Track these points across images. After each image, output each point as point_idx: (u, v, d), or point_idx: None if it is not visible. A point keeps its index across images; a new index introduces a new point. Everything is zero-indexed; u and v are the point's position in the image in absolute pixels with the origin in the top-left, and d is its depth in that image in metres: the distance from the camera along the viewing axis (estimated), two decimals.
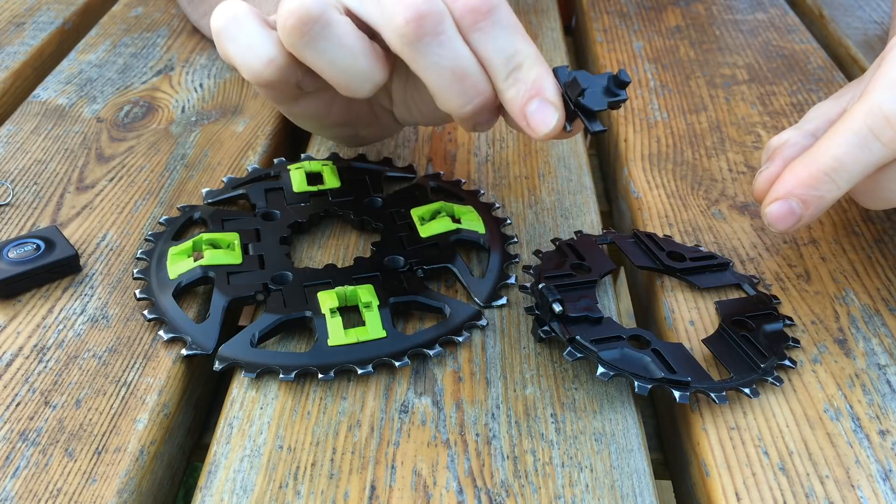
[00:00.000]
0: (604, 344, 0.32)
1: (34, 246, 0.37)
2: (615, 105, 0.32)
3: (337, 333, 0.34)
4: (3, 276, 0.36)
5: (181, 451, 0.34)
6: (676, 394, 0.31)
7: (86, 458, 0.30)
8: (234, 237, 0.39)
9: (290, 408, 0.32)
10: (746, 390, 0.31)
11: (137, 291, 0.36)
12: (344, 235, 0.42)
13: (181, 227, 0.41)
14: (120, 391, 0.32)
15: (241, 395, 0.33)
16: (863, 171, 0.31)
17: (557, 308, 0.33)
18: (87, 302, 0.36)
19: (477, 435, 0.31)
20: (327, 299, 0.35)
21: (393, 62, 0.35)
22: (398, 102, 0.40)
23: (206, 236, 0.38)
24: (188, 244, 0.38)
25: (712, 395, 0.31)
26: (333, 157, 0.46)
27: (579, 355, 0.32)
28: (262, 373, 0.33)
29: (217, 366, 0.33)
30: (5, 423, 0.31)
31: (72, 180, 0.44)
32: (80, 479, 0.29)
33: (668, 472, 0.34)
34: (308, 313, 0.35)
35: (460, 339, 0.35)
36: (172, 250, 0.38)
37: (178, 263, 0.37)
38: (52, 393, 0.32)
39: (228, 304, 0.35)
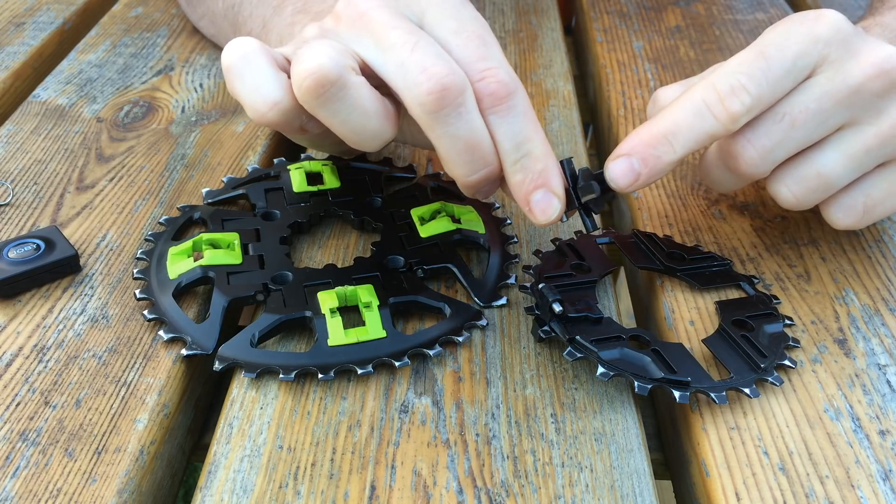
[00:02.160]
0: (604, 344, 0.32)
1: (34, 246, 0.37)
2: (609, 201, 0.35)
3: (337, 333, 0.34)
4: (3, 276, 0.36)
5: (181, 451, 0.34)
6: (676, 394, 0.31)
7: (86, 458, 0.30)
8: (234, 237, 0.39)
9: (290, 408, 0.32)
10: (746, 390, 0.31)
11: (137, 291, 0.36)
12: (344, 235, 0.42)
13: (181, 227, 0.41)
14: (120, 391, 0.32)
15: (241, 395, 0.33)
16: (696, 138, 0.33)
17: (557, 308, 0.33)
18: (87, 302, 0.36)
19: (477, 435, 0.31)
20: (327, 299, 0.35)
21: (400, 115, 0.35)
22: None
23: (206, 236, 0.38)
24: (188, 244, 0.38)
25: (712, 394, 0.31)
26: (333, 157, 0.46)
27: (579, 355, 0.32)
28: (262, 373, 0.33)
29: (217, 366, 0.33)
30: (5, 423, 0.31)
31: (72, 180, 0.44)
32: (80, 479, 0.29)
33: (668, 472, 0.34)
34: (308, 313, 0.35)
35: (460, 339, 0.35)
36: (172, 250, 0.38)
37: (178, 263, 0.37)
38: (52, 393, 0.32)
39: (228, 304, 0.35)
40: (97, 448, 0.30)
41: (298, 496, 0.29)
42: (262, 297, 0.36)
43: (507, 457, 0.30)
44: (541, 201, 0.33)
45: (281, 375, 0.32)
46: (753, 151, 0.34)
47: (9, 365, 0.33)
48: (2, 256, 0.37)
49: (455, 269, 0.38)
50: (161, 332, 0.34)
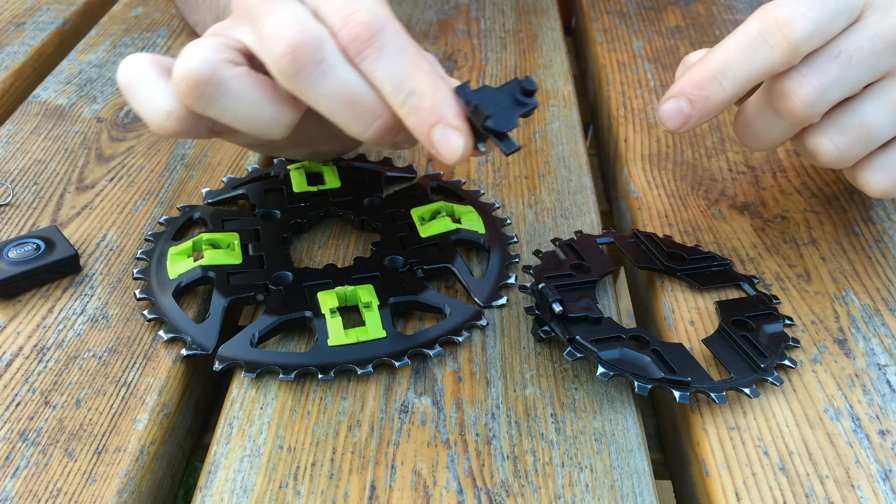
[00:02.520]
0: (604, 344, 0.32)
1: (34, 246, 0.37)
2: (526, 115, 0.31)
3: (337, 333, 0.34)
4: (3, 276, 0.36)
5: (181, 451, 0.34)
6: (676, 394, 0.31)
7: (86, 458, 0.30)
8: (234, 237, 0.39)
9: (290, 408, 0.32)
10: (746, 390, 0.31)
11: (137, 291, 0.36)
12: (344, 235, 0.42)
13: (181, 227, 0.41)
14: (120, 391, 0.32)
15: (241, 395, 0.33)
16: (749, 73, 0.32)
17: (557, 308, 0.33)
18: (87, 302, 0.36)
19: (477, 435, 0.31)
20: (327, 299, 0.35)
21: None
22: None
23: (206, 236, 0.38)
24: (188, 244, 0.38)
25: (712, 394, 0.31)
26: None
27: (579, 355, 0.32)
28: (262, 373, 0.33)
29: (217, 366, 0.33)
30: (5, 423, 0.31)
31: (72, 180, 0.44)
32: (80, 479, 0.29)
33: (668, 472, 0.34)
34: (308, 313, 0.35)
35: (460, 339, 0.35)
36: (172, 250, 0.38)
37: (178, 263, 0.37)
38: (52, 393, 0.32)
39: (228, 304, 0.35)
40: (97, 448, 0.30)
41: (298, 496, 0.29)
42: (262, 297, 0.36)
43: (507, 457, 0.30)
44: (442, 139, 0.30)
45: (281, 375, 0.32)
46: (810, 88, 0.32)
47: (9, 365, 0.33)
48: (2, 256, 0.37)
49: (455, 269, 0.38)
50: (161, 332, 0.34)
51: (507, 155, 0.31)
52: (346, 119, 0.31)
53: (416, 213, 0.40)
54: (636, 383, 0.31)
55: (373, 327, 0.34)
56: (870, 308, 0.37)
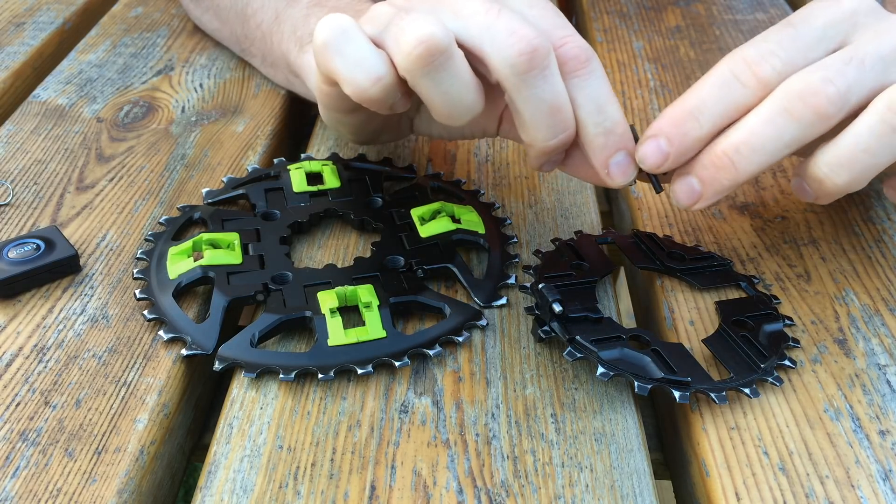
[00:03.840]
0: (604, 344, 0.32)
1: (34, 246, 0.37)
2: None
3: (337, 333, 0.34)
4: (3, 276, 0.36)
5: (181, 451, 0.34)
6: (676, 394, 0.31)
7: (86, 458, 0.30)
8: (234, 237, 0.39)
9: (290, 408, 0.32)
10: (746, 390, 0.31)
11: (137, 291, 0.36)
12: (344, 235, 0.42)
13: (181, 227, 0.41)
14: (120, 391, 0.32)
15: (241, 395, 0.33)
16: (723, 111, 0.32)
17: (557, 308, 0.33)
18: (87, 302, 0.36)
19: (477, 435, 0.31)
20: (327, 299, 0.35)
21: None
22: (423, 116, 0.41)
23: (206, 236, 0.38)
24: (188, 244, 0.38)
25: (712, 395, 0.31)
26: (333, 157, 0.46)
27: (579, 355, 0.32)
28: (262, 373, 0.33)
29: (217, 366, 0.33)
30: (5, 423, 0.31)
31: (72, 180, 0.44)
32: (80, 479, 0.29)
33: (668, 472, 0.34)
34: (308, 313, 0.35)
35: (460, 339, 0.35)
36: (172, 250, 0.38)
37: (178, 263, 0.37)
38: (52, 393, 0.32)
39: (228, 304, 0.35)
40: (97, 448, 0.30)
41: (298, 496, 0.29)
42: (262, 297, 0.36)
43: (507, 457, 0.30)
44: (622, 163, 0.34)
45: (281, 375, 0.32)
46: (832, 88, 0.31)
47: (9, 365, 0.33)
48: (2, 256, 0.37)
49: (455, 269, 0.38)
50: (161, 332, 0.34)
51: (657, 192, 0.35)
52: (543, 123, 0.33)
53: (416, 213, 0.40)
54: (636, 383, 0.31)
55: (373, 327, 0.34)
56: (870, 308, 0.37)
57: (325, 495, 0.29)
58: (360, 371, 0.33)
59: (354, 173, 0.44)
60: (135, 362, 0.34)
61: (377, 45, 0.33)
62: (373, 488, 0.29)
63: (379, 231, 0.40)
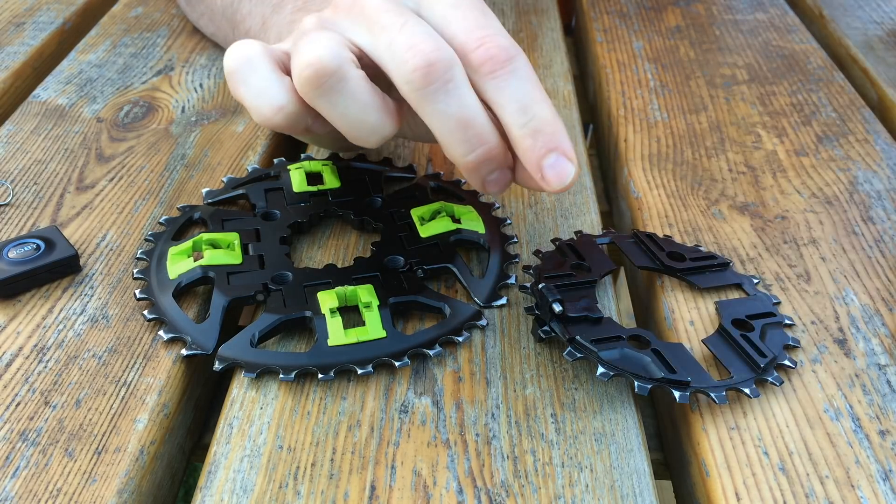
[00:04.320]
0: (604, 344, 0.32)
1: (34, 246, 0.37)
2: None
3: (337, 333, 0.34)
4: (3, 276, 0.36)
5: (181, 451, 0.34)
6: (676, 394, 0.31)
7: (86, 458, 0.30)
8: (234, 237, 0.39)
9: (290, 408, 0.32)
10: (746, 390, 0.31)
11: (137, 291, 0.36)
12: (344, 235, 0.42)
13: (181, 227, 0.41)
14: (120, 391, 0.32)
15: (241, 395, 0.33)
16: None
17: (557, 308, 0.33)
18: (87, 302, 0.36)
19: (477, 435, 0.31)
20: (327, 299, 0.35)
21: (403, 111, 0.35)
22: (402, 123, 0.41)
23: (206, 236, 0.38)
24: (188, 244, 0.38)
25: (712, 394, 0.31)
26: (333, 157, 0.46)
27: (579, 355, 0.32)
28: (262, 373, 0.33)
29: (217, 366, 0.33)
30: (5, 423, 0.31)
31: (72, 180, 0.44)
32: (80, 479, 0.29)
33: (668, 472, 0.34)
34: (308, 313, 0.35)
35: (460, 339, 0.35)
36: (172, 250, 0.38)
37: (178, 263, 0.37)
38: (52, 393, 0.32)
39: (228, 304, 0.35)
40: (97, 448, 0.30)
41: (298, 496, 0.29)
42: (262, 297, 0.36)
43: (507, 457, 0.30)
44: (555, 165, 0.32)
45: (281, 375, 0.32)
46: None
47: (9, 365, 0.33)
48: (2, 256, 0.37)
49: (455, 269, 0.38)
50: (161, 332, 0.34)
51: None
52: (454, 139, 0.32)
53: (416, 213, 0.40)
54: (636, 383, 0.31)
55: (373, 327, 0.34)
56: (870, 308, 0.37)
57: (325, 495, 0.29)
58: (360, 371, 0.33)
59: (354, 173, 0.44)
60: (135, 362, 0.34)
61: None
62: (373, 488, 0.29)
63: (379, 231, 0.40)
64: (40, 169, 0.45)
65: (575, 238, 0.40)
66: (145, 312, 0.35)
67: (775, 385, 0.32)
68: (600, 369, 0.31)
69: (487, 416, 0.32)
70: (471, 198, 0.43)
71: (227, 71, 0.34)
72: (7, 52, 0.57)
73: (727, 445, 0.30)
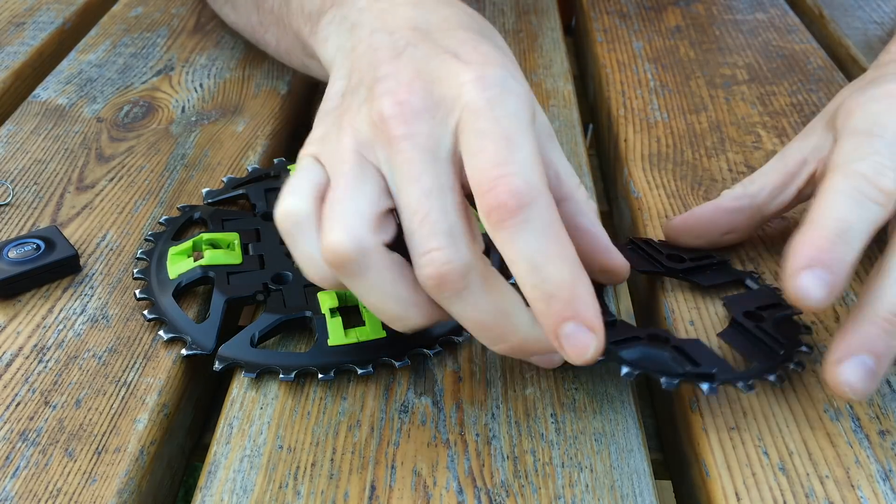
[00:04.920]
0: (623, 344, 0.32)
1: (34, 246, 0.37)
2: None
3: (337, 333, 0.34)
4: (3, 276, 0.36)
5: (181, 451, 0.34)
6: (704, 387, 0.30)
7: (86, 458, 0.30)
8: (234, 237, 0.39)
9: (290, 408, 0.32)
10: (772, 377, 0.31)
11: (137, 291, 0.36)
12: None
13: (181, 227, 0.41)
14: (120, 391, 0.32)
15: (241, 395, 0.33)
16: (867, 228, 0.30)
17: None
18: (87, 302, 0.36)
19: (477, 435, 0.31)
20: (327, 299, 0.35)
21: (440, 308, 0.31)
22: None
23: (206, 236, 0.38)
24: (188, 244, 0.38)
25: (739, 384, 0.31)
26: None
27: (601, 358, 0.32)
28: (262, 373, 0.33)
29: (217, 366, 0.33)
30: (5, 423, 0.31)
31: (72, 180, 0.44)
32: (80, 479, 0.29)
33: (668, 472, 0.34)
34: (308, 313, 0.35)
35: (460, 339, 0.35)
36: (172, 250, 0.38)
37: (178, 263, 0.37)
38: (52, 393, 0.32)
39: (228, 304, 0.35)
40: (97, 448, 0.30)
41: (298, 496, 0.29)
42: (262, 297, 0.36)
43: (507, 457, 0.30)
44: (572, 336, 0.27)
45: (281, 375, 0.32)
46: None
47: (9, 365, 0.33)
48: (2, 256, 0.37)
49: None
50: (161, 332, 0.34)
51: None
52: (477, 335, 0.30)
53: None
54: (663, 379, 0.30)
55: (373, 327, 0.34)
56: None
57: (325, 495, 0.29)
58: (360, 371, 0.33)
59: None
60: (135, 362, 0.34)
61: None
62: (373, 488, 0.29)
63: None
64: (40, 169, 0.45)
65: None
66: (145, 312, 0.35)
67: (797, 371, 0.32)
68: (624, 369, 0.31)
69: (487, 416, 0.32)
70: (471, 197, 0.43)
71: (281, 228, 0.32)
72: (7, 52, 0.57)
73: (727, 445, 0.30)
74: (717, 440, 0.31)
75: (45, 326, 0.35)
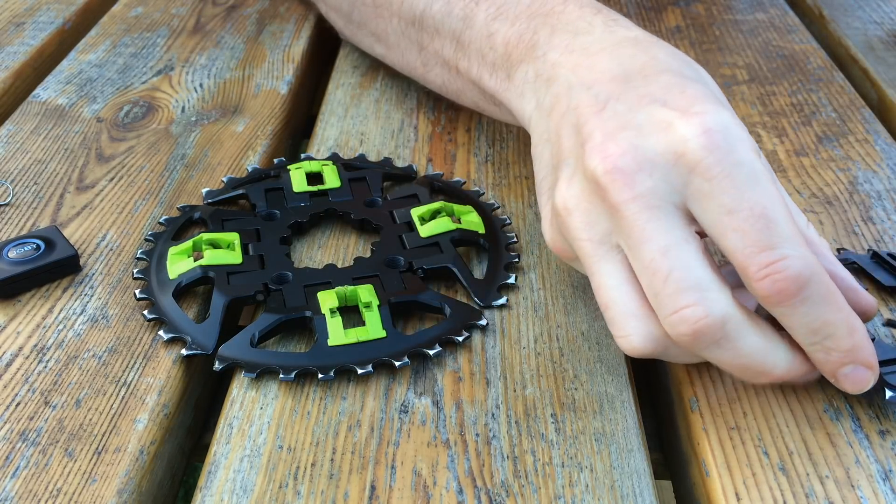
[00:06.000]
0: (885, 367, 0.31)
1: (34, 246, 0.37)
2: None
3: (337, 333, 0.34)
4: (3, 276, 0.36)
5: (181, 451, 0.34)
6: None
7: (86, 458, 0.30)
8: (234, 237, 0.39)
9: (290, 408, 0.32)
10: None
11: (137, 291, 0.36)
12: (344, 235, 0.42)
13: (181, 227, 0.41)
14: (120, 391, 0.32)
15: (241, 395, 0.33)
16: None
17: None
18: (87, 302, 0.36)
19: (477, 435, 0.31)
20: (327, 299, 0.35)
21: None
22: None
23: (206, 236, 0.38)
24: (188, 244, 0.38)
25: None
26: (333, 157, 0.46)
27: None
28: (262, 373, 0.33)
29: (217, 366, 0.33)
30: (5, 423, 0.31)
31: (72, 180, 0.44)
32: (80, 479, 0.29)
33: (668, 472, 0.34)
34: (308, 313, 0.35)
35: (460, 339, 0.35)
36: (172, 250, 0.38)
37: (178, 263, 0.37)
38: (52, 393, 0.32)
39: (228, 304, 0.35)
40: (97, 448, 0.30)
41: (298, 496, 0.29)
42: (262, 297, 0.36)
43: (507, 457, 0.30)
44: (851, 375, 0.29)
45: (281, 375, 0.32)
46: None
47: (9, 365, 0.33)
48: (2, 256, 0.37)
49: (455, 269, 0.38)
50: (161, 332, 0.34)
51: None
52: (735, 374, 0.30)
53: (416, 212, 0.40)
54: None
55: (373, 327, 0.34)
56: None
57: (325, 495, 0.29)
58: (360, 371, 0.33)
59: (354, 173, 0.44)
60: (135, 362, 0.34)
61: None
62: (373, 488, 0.29)
63: (379, 231, 0.40)
64: (40, 169, 0.45)
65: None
66: (145, 312, 0.35)
67: None
68: (888, 393, 0.30)
69: (487, 416, 0.32)
70: (471, 198, 0.43)
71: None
72: (7, 52, 0.57)
73: (727, 445, 0.30)
74: (717, 440, 0.31)
75: (45, 326, 0.35)
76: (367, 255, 0.39)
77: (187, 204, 0.42)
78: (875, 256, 0.39)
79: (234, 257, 0.38)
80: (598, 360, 0.34)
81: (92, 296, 0.37)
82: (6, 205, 0.42)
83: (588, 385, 0.33)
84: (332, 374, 0.32)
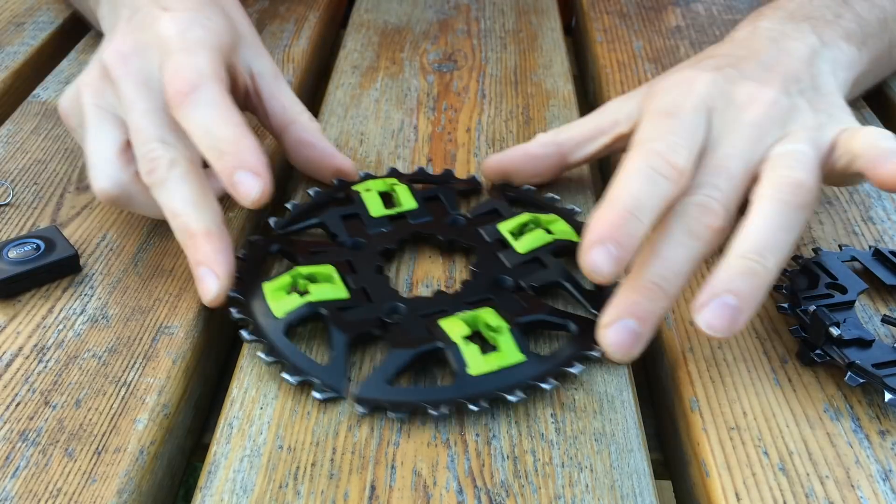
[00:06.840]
0: (886, 368, 0.31)
1: (34, 246, 0.37)
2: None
3: (476, 362, 0.32)
4: (3, 276, 0.36)
5: (181, 451, 0.34)
6: None
7: (86, 458, 0.30)
8: (330, 270, 0.36)
9: (290, 408, 0.32)
10: None
11: (246, 333, 0.34)
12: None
13: (261, 260, 0.38)
14: (120, 391, 0.32)
15: (241, 395, 0.33)
16: (657, 205, 0.32)
17: (836, 332, 0.32)
18: (87, 302, 0.36)
19: (477, 435, 0.31)
20: (455, 328, 0.33)
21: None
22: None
23: (303, 270, 0.36)
24: (286, 279, 0.35)
25: None
26: (394, 173, 0.44)
27: (861, 381, 0.31)
28: (413, 412, 0.31)
29: (361, 410, 0.31)
30: (5, 423, 0.31)
31: (72, 180, 0.44)
32: (80, 479, 0.29)
33: (668, 472, 0.34)
34: (440, 344, 0.33)
35: (597, 354, 0.33)
36: (268, 286, 0.35)
37: (281, 301, 0.35)
38: (52, 393, 0.32)
39: (350, 341, 0.33)
40: (97, 448, 0.30)
41: (298, 496, 0.29)
42: (377, 332, 0.34)
43: (507, 457, 0.30)
44: (239, 181, 0.34)
45: (433, 412, 0.31)
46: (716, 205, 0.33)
47: (9, 365, 0.33)
48: (2, 256, 0.37)
49: (567, 284, 0.36)
50: (286, 375, 0.32)
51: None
52: (172, 225, 0.36)
53: (505, 227, 0.39)
54: None
55: (509, 351, 0.32)
56: (869, 308, 0.37)
57: (325, 495, 0.29)
58: (510, 399, 0.31)
59: (428, 191, 0.42)
60: (135, 362, 0.34)
61: None
62: (373, 488, 0.29)
63: (467, 251, 0.39)
64: (40, 169, 0.45)
65: (817, 255, 0.38)
66: (261, 354, 0.33)
67: None
68: (888, 396, 0.30)
69: (487, 416, 0.32)
70: (552, 206, 0.42)
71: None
72: (7, 52, 0.57)
73: (727, 445, 0.30)
74: (717, 440, 0.31)
75: (45, 326, 0.35)
76: (466, 277, 0.38)
77: (257, 235, 0.40)
78: (877, 254, 0.39)
79: (341, 291, 0.35)
80: (599, 360, 0.34)
81: (92, 296, 0.37)
82: (6, 205, 0.42)
83: (588, 385, 0.33)
84: (486, 404, 0.31)
